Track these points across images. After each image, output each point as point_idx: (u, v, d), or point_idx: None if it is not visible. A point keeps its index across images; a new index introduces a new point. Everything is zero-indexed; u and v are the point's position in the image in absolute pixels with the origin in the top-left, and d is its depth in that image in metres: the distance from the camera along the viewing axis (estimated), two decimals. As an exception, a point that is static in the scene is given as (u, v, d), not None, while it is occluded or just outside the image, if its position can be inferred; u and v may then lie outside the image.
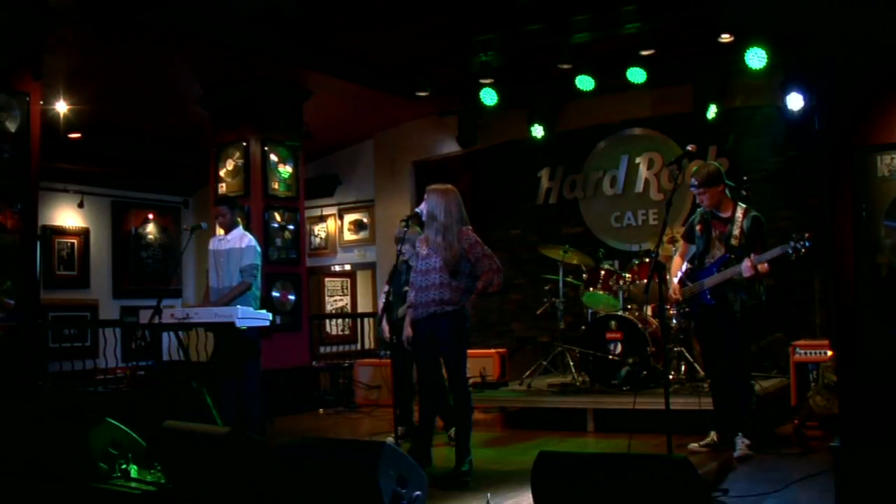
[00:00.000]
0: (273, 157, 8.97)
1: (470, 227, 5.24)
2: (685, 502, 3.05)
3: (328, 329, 11.89)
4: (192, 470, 4.42)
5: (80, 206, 11.24)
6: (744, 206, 5.53)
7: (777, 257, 5.16)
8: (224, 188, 8.97)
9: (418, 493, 3.95)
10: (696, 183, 5.50)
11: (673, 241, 7.00)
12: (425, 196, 5.25)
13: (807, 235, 5.04)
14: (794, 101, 7.55)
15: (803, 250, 5.04)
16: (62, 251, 11.10)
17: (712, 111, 8.14)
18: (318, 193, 11.37)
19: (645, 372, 6.92)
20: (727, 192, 5.55)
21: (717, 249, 5.51)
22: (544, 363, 8.11)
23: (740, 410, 5.42)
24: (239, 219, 6.65)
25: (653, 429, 5.57)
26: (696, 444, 5.60)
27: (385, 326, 6.44)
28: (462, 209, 5.20)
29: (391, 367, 6.85)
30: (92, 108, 8.30)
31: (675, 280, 5.72)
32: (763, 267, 5.25)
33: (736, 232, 5.43)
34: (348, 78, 8.77)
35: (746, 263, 5.23)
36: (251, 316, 6.04)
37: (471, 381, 7.74)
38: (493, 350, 8.89)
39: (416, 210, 5.35)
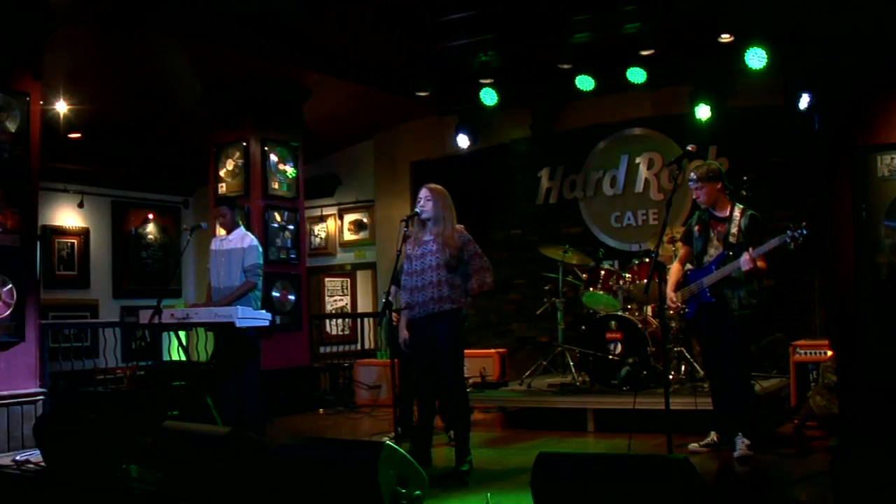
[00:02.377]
0: (273, 157, 8.97)
1: (462, 226, 5.26)
2: (685, 502, 3.05)
3: (328, 329, 11.89)
4: (192, 470, 4.42)
5: (80, 206, 11.25)
6: (741, 205, 5.54)
7: (776, 247, 5.16)
8: (224, 188, 8.97)
9: (418, 493, 3.95)
10: (694, 177, 5.52)
11: (673, 241, 6.99)
12: (427, 195, 5.21)
13: (804, 224, 5.03)
14: (804, 101, 7.51)
15: (801, 238, 5.03)
16: (62, 251, 11.10)
17: (710, 111, 8.13)
18: (318, 193, 11.37)
19: (645, 372, 6.92)
20: (725, 192, 5.56)
21: (716, 248, 5.51)
22: (544, 363, 8.10)
23: (740, 410, 5.41)
24: (240, 219, 6.66)
25: (653, 429, 5.58)
26: (696, 444, 5.60)
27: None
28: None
29: (397, 366, 6.77)
30: (92, 108, 8.31)
31: (670, 290, 5.68)
32: (762, 263, 5.25)
33: (734, 230, 5.44)
34: (348, 78, 8.77)
35: (745, 257, 5.23)
36: (251, 316, 6.04)
37: (471, 381, 7.78)
38: (492, 350, 8.88)
39: (416, 210, 5.32)
